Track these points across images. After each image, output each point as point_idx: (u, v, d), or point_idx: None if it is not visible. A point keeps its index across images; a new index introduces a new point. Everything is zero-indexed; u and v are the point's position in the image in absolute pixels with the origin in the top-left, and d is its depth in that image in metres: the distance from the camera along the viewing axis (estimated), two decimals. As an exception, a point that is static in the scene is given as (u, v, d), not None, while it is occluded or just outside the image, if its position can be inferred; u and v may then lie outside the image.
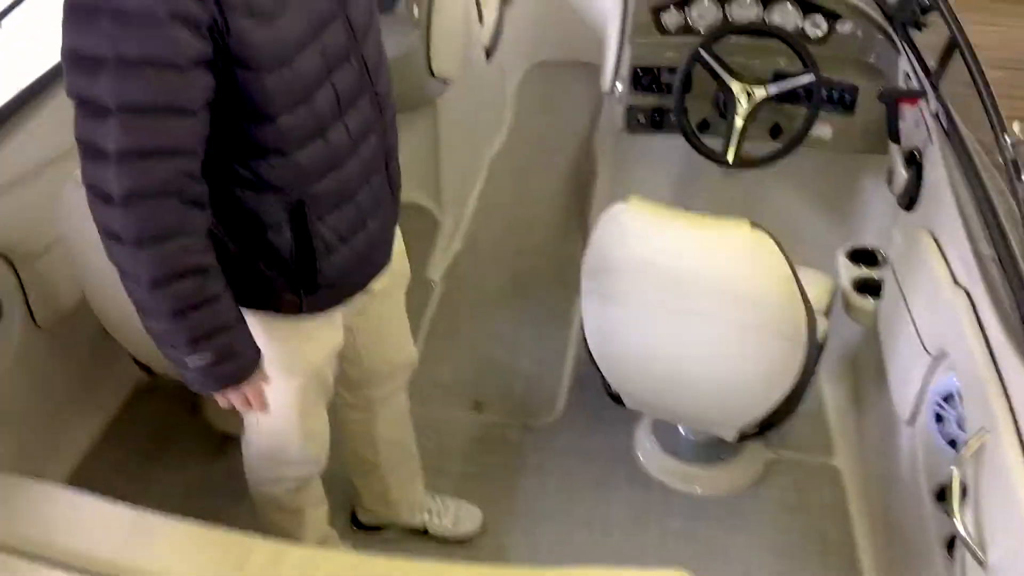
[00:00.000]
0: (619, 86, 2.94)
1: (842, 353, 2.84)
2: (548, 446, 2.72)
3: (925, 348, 2.10)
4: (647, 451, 2.66)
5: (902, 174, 2.43)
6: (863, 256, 2.79)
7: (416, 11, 3.02)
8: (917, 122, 2.45)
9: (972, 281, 1.94)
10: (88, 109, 1.32)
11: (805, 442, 2.71)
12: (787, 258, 1.94)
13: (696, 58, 2.64)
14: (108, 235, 1.39)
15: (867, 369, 2.68)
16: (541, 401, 2.87)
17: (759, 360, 2.09)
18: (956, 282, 2.01)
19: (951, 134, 2.25)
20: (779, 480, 2.61)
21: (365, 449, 2.24)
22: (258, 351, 1.61)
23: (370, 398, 2.14)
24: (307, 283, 1.66)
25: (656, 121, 2.90)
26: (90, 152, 1.35)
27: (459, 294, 3.29)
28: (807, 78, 2.58)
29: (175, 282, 1.42)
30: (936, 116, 2.33)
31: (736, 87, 2.63)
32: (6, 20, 2.31)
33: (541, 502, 2.56)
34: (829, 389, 2.85)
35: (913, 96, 2.39)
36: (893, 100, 2.45)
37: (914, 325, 2.16)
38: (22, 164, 2.25)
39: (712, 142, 2.78)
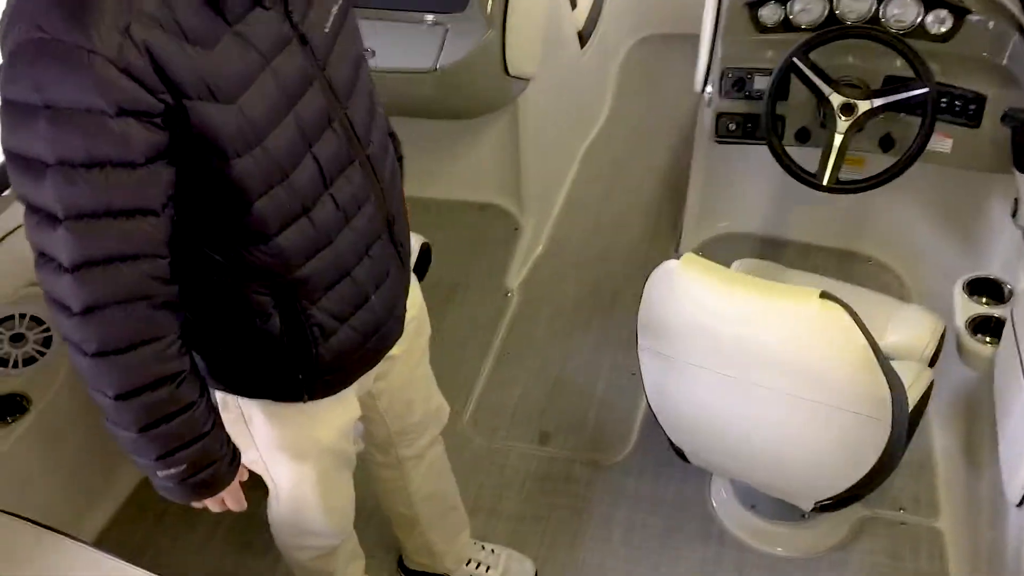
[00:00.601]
0: (709, 89, 2.64)
1: (957, 394, 2.50)
2: (616, 488, 2.52)
3: None
4: (723, 502, 2.42)
5: (1029, 206, 2.07)
6: (986, 287, 2.42)
7: (490, 6, 2.80)
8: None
9: None
10: (36, 215, 1.18)
11: (907, 498, 2.41)
12: (864, 331, 1.66)
13: (789, 67, 2.31)
14: (70, 344, 1.26)
15: (983, 418, 2.35)
16: (613, 434, 2.66)
17: (833, 438, 1.82)
18: None
19: None
20: (872, 543, 2.33)
21: (401, 506, 2.10)
22: (235, 452, 1.47)
23: (401, 457, 1.99)
24: (306, 370, 1.51)
25: (749, 130, 2.58)
26: (43, 260, 1.21)
27: (537, 305, 3.09)
28: (920, 90, 2.22)
29: (145, 393, 1.28)
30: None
31: (835, 99, 2.29)
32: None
33: (603, 554, 2.37)
34: (940, 436, 2.52)
35: (1045, 120, 2.02)
36: (1020, 123, 2.07)
37: None
38: None
39: (812, 155, 2.46)
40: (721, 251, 3.06)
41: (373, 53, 2.75)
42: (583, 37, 3.52)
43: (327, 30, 1.36)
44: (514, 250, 3.22)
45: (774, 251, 3.05)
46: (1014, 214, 2.16)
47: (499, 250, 3.22)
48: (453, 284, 3.13)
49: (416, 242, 2.43)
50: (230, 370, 1.51)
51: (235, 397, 1.57)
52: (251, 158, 1.25)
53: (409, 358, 1.82)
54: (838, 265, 2.98)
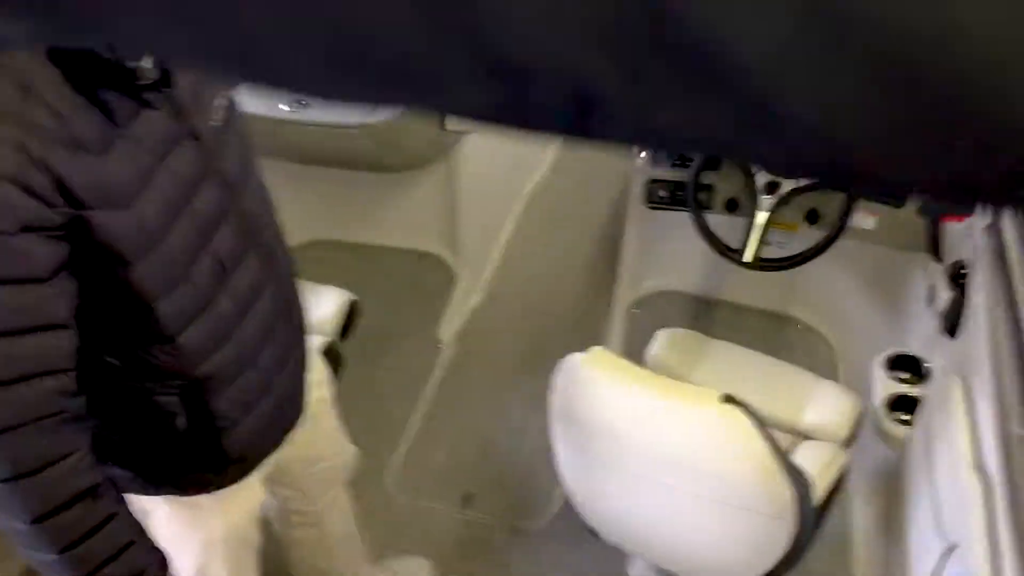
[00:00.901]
0: (641, 155, 2.64)
1: (876, 470, 2.51)
2: (534, 555, 2.50)
3: (941, 529, 1.78)
4: (642, 574, 2.41)
5: (944, 293, 2.08)
6: (908, 362, 2.44)
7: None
8: (968, 229, 2.09)
9: (993, 466, 1.62)
10: None
11: (824, 573, 2.41)
12: (765, 435, 1.65)
13: (714, 144, 2.31)
14: None
15: (900, 498, 2.36)
16: (537, 499, 2.64)
17: (738, 536, 1.81)
18: (977, 464, 1.68)
19: (1002, 258, 1.90)
20: (787, 621, 2.33)
21: (319, 559, 2.10)
22: (162, 558, 1.43)
23: (318, 511, 2.00)
24: (212, 463, 1.50)
25: (679, 197, 2.59)
26: None
27: (470, 358, 3.07)
28: (841, 173, 2.23)
29: (62, 513, 1.23)
30: (989, 230, 1.97)
31: (759, 177, 2.30)
32: None
33: (518, 626, 2.36)
34: (859, 512, 2.53)
35: (960, 214, 2.03)
36: (936, 217, 2.09)
37: (934, 496, 1.84)
38: None
39: (741, 225, 2.47)
40: (654, 310, 3.06)
41: (305, 103, 2.73)
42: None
43: (217, 123, 1.36)
44: (449, 300, 3.20)
45: (707, 311, 3.05)
46: (930, 300, 2.17)
47: (434, 300, 3.20)
48: (385, 334, 3.10)
49: (342, 299, 2.40)
50: (132, 469, 1.48)
51: (135, 494, 1.53)
52: (151, 260, 1.24)
53: (313, 417, 1.80)
54: (768, 328, 2.99)
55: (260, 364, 1.48)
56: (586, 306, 3.20)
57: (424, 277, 3.25)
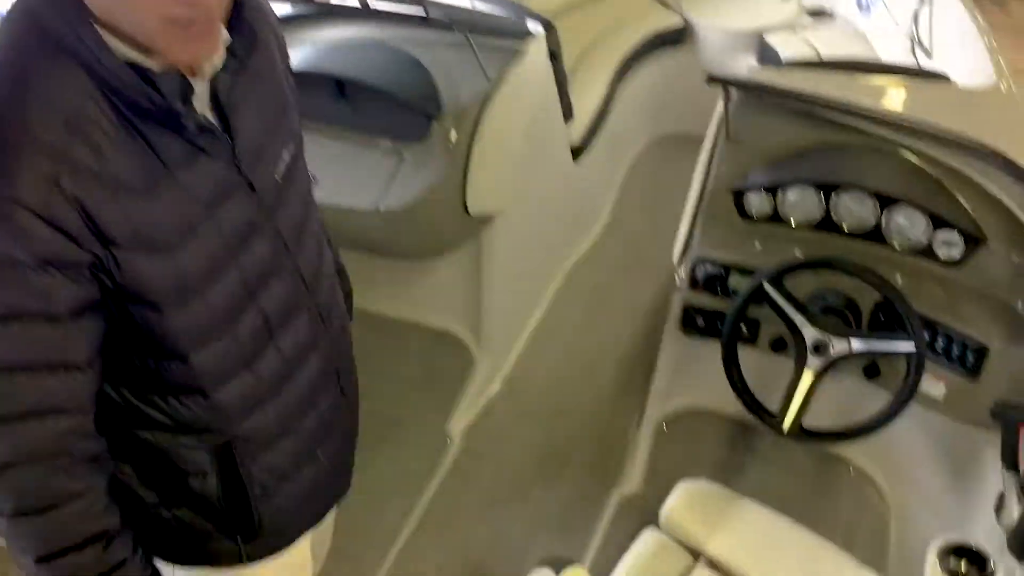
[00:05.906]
0: (681, 274, 2.32)
1: None
2: None
3: None
4: None
5: (1014, 510, 1.73)
6: (967, 555, 2.08)
7: (454, 136, 2.49)
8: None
9: None
10: None
11: None
12: None
13: (757, 294, 1.99)
14: None
15: None
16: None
17: None
18: None
19: None
20: None
21: None
22: None
23: None
24: (245, 531, 1.40)
25: (718, 328, 2.26)
26: None
27: (477, 460, 2.79)
28: (905, 346, 1.89)
29: (71, 554, 1.18)
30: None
31: (808, 334, 1.97)
32: None
33: None
34: None
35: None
36: (1012, 423, 1.74)
37: None
38: None
39: (786, 369, 2.14)
40: (686, 429, 2.75)
41: (315, 180, 2.47)
42: (578, 150, 3.20)
43: (278, 177, 1.28)
44: (464, 389, 2.92)
45: (745, 439, 2.71)
46: (998, 511, 1.82)
47: (448, 387, 2.92)
48: (392, 419, 2.84)
49: None
50: (160, 535, 1.36)
51: (164, 565, 1.40)
52: (188, 311, 1.19)
53: None
54: (815, 468, 2.63)
55: (302, 431, 1.41)
56: (612, 412, 2.89)
57: (440, 359, 2.98)
